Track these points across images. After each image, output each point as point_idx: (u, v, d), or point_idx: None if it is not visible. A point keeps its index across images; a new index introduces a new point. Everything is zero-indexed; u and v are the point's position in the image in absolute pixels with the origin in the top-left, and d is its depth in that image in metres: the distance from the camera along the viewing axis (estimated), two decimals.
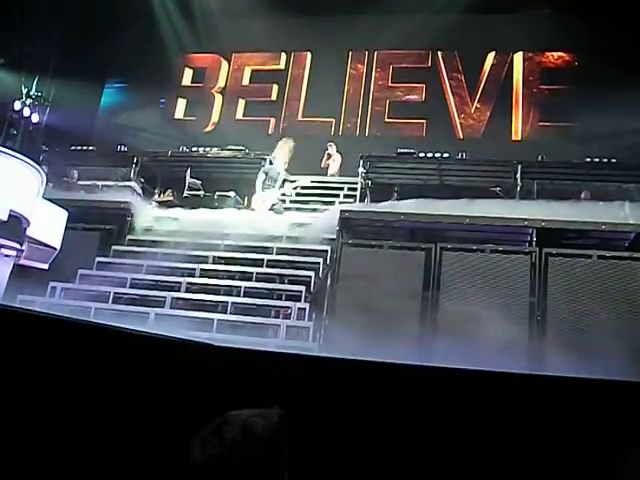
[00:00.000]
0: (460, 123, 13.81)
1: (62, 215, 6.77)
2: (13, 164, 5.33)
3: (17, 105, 14.34)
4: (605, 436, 2.90)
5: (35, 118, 14.55)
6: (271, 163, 11.60)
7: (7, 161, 5.26)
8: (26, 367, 2.92)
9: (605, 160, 10.75)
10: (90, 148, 13.19)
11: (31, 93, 14.55)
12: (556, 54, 13.64)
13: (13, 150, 5.66)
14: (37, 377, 2.81)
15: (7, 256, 5.78)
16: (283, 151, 11.43)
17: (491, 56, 13.91)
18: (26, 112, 14.44)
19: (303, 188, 12.21)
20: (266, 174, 11.35)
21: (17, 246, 5.79)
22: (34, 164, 5.69)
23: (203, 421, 2.46)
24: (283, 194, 11.61)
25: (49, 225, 6.32)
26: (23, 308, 2.83)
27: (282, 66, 15.06)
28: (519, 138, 13.41)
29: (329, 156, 12.93)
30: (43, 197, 6.62)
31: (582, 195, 10.27)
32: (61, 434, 2.77)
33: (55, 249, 6.41)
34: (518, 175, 10.94)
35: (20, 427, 2.82)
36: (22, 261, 6.00)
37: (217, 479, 1.82)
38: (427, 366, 3.91)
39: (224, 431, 1.87)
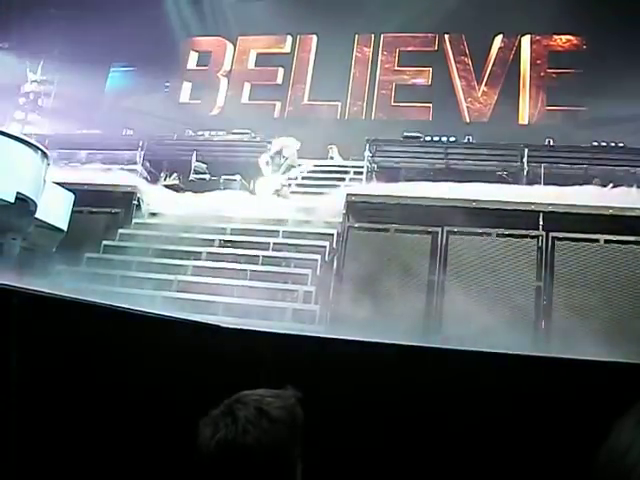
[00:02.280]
0: (467, 107, 13.74)
1: (69, 198, 6.80)
2: (19, 147, 5.33)
3: (23, 89, 14.33)
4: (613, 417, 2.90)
5: (41, 102, 14.54)
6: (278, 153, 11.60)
7: (13, 144, 5.26)
8: (36, 349, 2.93)
9: (612, 144, 10.71)
10: (96, 132, 13.18)
11: (37, 77, 14.53)
12: (564, 37, 13.53)
13: (19, 133, 5.68)
14: (49, 358, 2.82)
15: (14, 239, 5.80)
16: (285, 143, 11.46)
17: (498, 39, 13.79)
18: (32, 96, 14.43)
19: (309, 172, 12.19)
20: (272, 159, 11.35)
21: (24, 228, 5.81)
22: (41, 146, 5.69)
23: (212, 402, 2.47)
24: (289, 178, 11.61)
25: (56, 207, 6.34)
26: (34, 289, 2.84)
27: (288, 49, 14.97)
28: (526, 122, 13.34)
29: (331, 159, 12.85)
30: (50, 180, 6.64)
31: (594, 182, 10.20)
32: (76, 415, 2.79)
33: (62, 231, 6.43)
34: (525, 159, 10.91)
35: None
36: (30, 243, 6.02)
37: (229, 460, 1.79)
38: (432, 347, 3.92)
39: (237, 410, 1.85)
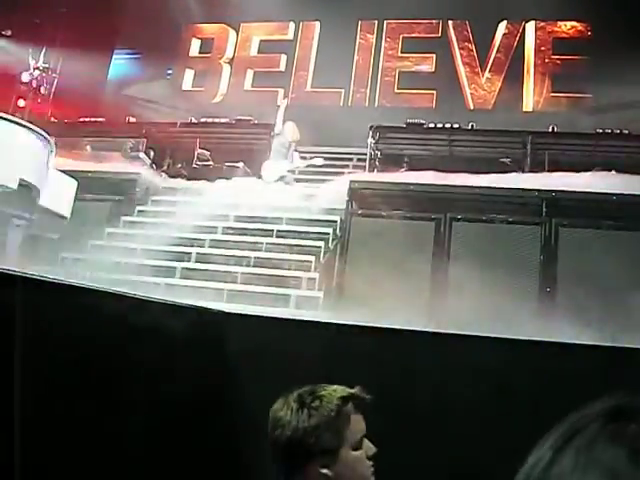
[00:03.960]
0: (471, 94, 13.67)
1: (72, 184, 6.80)
2: (22, 133, 5.33)
3: (25, 77, 14.31)
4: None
5: (43, 89, 14.52)
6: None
7: (16, 130, 5.26)
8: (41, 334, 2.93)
9: (617, 131, 10.67)
10: (99, 119, 13.17)
11: (39, 64, 14.50)
12: (569, 24, 13.44)
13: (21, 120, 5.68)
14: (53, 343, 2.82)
15: (18, 226, 5.81)
16: (289, 131, 11.42)
17: (502, 26, 13.71)
18: (34, 83, 14.41)
19: (312, 159, 12.16)
20: (275, 145, 11.35)
21: (27, 215, 5.82)
22: (43, 133, 5.69)
23: (217, 389, 2.48)
24: (294, 167, 11.59)
25: (59, 194, 6.34)
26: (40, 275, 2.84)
27: (290, 36, 14.90)
28: (530, 109, 13.28)
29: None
30: (53, 167, 6.64)
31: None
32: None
33: (65, 218, 6.43)
34: (529, 146, 10.88)
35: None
36: (33, 230, 6.03)
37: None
38: (436, 332, 3.93)
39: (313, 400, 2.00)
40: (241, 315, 3.32)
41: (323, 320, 3.36)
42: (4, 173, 5.10)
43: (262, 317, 3.44)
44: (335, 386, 2.11)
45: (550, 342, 3.45)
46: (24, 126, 5.39)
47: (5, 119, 5.20)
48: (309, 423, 1.97)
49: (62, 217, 6.45)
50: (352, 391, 2.09)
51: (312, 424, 1.97)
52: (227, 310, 3.34)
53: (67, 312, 3.01)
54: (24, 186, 5.37)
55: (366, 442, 2.07)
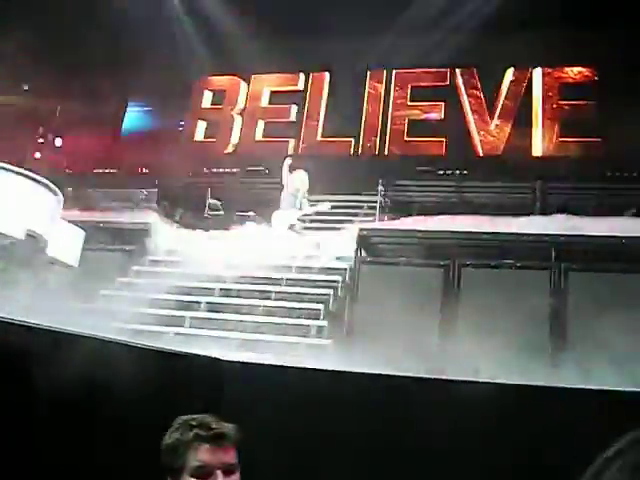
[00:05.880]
0: (480, 140, 13.72)
1: (79, 235, 6.89)
2: (30, 185, 5.44)
3: (41, 130, 14.61)
4: None
5: (58, 142, 14.79)
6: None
7: (24, 182, 5.37)
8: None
9: (626, 175, 10.67)
10: (112, 171, 13.38)
11: (55, 118, 14.80)
12: (575, 69, 13.54)
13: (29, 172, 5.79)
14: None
15: (26, 276, 5.87)
16: (298, 180, 11.56)
17: (510, 72, 13.82)
18: (50, 136, 14.71)
19: (323, 208, 12.23)
20: (284, 194, 11.47)
21: (36, 265, 5.89)
22: (51, 185, 5.79)
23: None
24: (303, 214, 11.66)
25: (67, 244, 6.42)
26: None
27: (301, 87, 15.10)
28: (540, 154, 13.29)
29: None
30: (64, 218, 6.74)
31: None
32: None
33: (73, 267, 6.50)
34: (538, 191, 10.89)
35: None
36: (42, 280, 6.09)
37: None
38: (447, 379, 3.88)
39: None
40: (236, 362, 3.31)
41: (316, 367, 3.34)
42: (12, 224, 5.19)
43: (257, 365, 3.43)
44: (203, 415, 2.22)
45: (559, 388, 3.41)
46: (32, 178, 5.50)
47: (12, 171, 5.31)
48: (164, 443, 2.17)
49: (70, 267, 6.51)
50: (203, 421, 2.18)
51: (164, 445, 2.17)
52: (223, 358, 3.33)
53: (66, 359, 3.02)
54: (32, 237, 5.44)
55: (217, 474, 2.12)
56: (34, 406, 2.78)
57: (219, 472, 2.11)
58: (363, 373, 3.86)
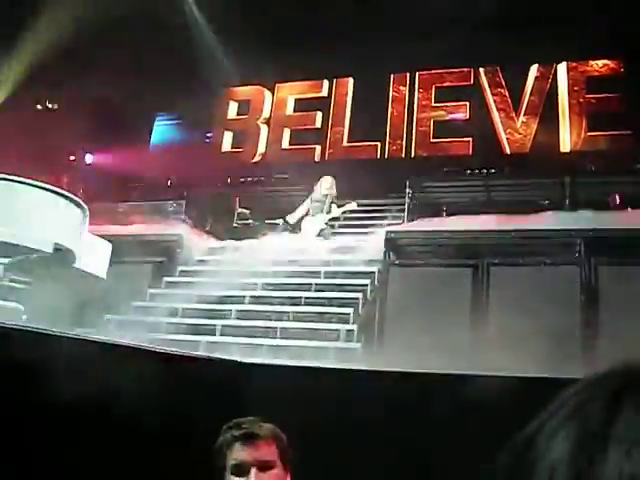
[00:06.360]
0: (507, 138, 13.61)
1: (107, 247, 7.02)
2: (56, 200, 5.57)
3: (70, 147, 14.90)
4: None
5: (88, 158, 15.09)
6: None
7: (50, 197, 5.50)
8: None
9: None
10: (141, 183, 13.59)
11: (84, 134, 15.06)
12: (600, 62, 13.36)
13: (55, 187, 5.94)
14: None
15: (56, 288, 6.00)
16: (326, 185, 11.63)
17: (534, 69, 13.71)
18: (79, 153, 15.01)
19: (352, 212, 12.26)
20: (313, 200, 11.53)
21: (66, 278, 6.01)
22: (77, 199, 5.92)
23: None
24: (332, 218, 11.71)
25: (94, 257, 6.55)
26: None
27: (325, 93, 15.15)
28: (568, 149, 13.14)
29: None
30: (93, 232, 6.87)
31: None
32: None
33: (101, 279, 6.63)
34: (566, 187, 10.79)
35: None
36: (71, 293, 6.22)
37: None
38: (477, 375, 3.89)
39: None
40: (257, 365, 3.35)
41: (337, 367, 3.36)
42: (39, 238, 5.32)
43: (278, 366, 3.47)
44: (247, 418, 2.42)
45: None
46: (56, 192, 5.63)
47: (37, 186, 5.45)
48: (214, 446, 2.39)
49: (99, 279, 6.64)
50: (239, 422, 2.38)
51: (214, 447, 2.38)
52: (243, 360, 3.37)
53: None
54: (59, 250, 5.57)
55: (252, 471, 2.29)
56: (65, 410, 2.85)
57: (254, 469, 2.29)
58: (391, 372, 3.87)
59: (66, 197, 5.72)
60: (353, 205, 11.75)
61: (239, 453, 2.31)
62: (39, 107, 15.00)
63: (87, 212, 6.15)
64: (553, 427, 0.71)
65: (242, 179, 13.96)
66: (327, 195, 11.60)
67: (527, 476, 0.69)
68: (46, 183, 5.78)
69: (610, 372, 0.73)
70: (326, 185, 11.69)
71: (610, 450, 0.63)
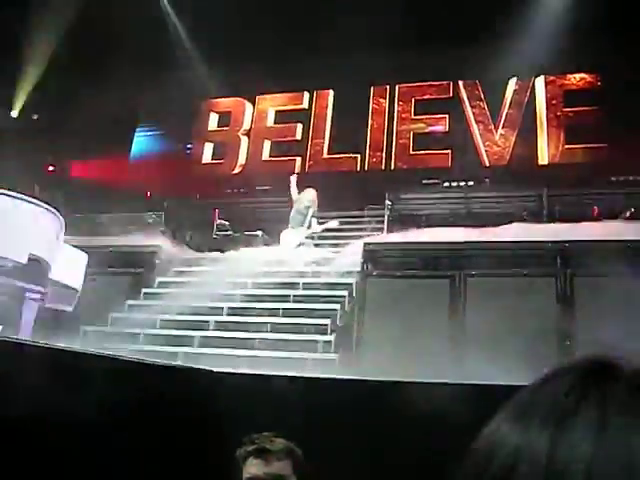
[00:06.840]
0: (485, 150, 13.73)
1: (83, 257, 6.97)
2: (32, 210, 5.53)
3: (49, 157, 14.84)
4: None
5: (67, 168, 15.03)
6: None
7: (26, 207, 5.46)
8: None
9: (631, 178, 10.65)
10: (120, 195, 13.53)
11: (64, 145, 15.00)
12: (578, 76, 13.54)
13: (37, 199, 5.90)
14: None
15: (32, 299, 5.95)
16: (308, 198, 11.58)
17: (512, 82, 13.86)
18: (58, 163, 14.93)
19: (330, 224, 12.25)
20: (294, 211, 11.52)
21: (41, 289, 5.96)
22: (53, 210, 5.89)
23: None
24: (312, 233, 11.68)
25: (70, 267, 6.50)
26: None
27: (305, 105, 15.22)
28: (546, 162, 13.28)
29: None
30: (72, 243, 6.84)
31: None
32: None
33: (76, 290, 6.58)
34: (544, 199, 10.89)
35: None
36: (47, 304, 6.16)
37: None
38: (456, 383, 3.91)
39: None
40: (227, 373, 3.35)
41: (306, 375, 3.36)
42: (14, 248, 5.28)
43: (248, 375, 3.46)
44: (263, 433, 2.50)
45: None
46: (33, 202, 5.60)
47: (12, 196, 5.41)
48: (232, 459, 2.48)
49: (74, 290, 6.59)
50: (252, 438, 2.47)
51: (233, 461, 2.47)
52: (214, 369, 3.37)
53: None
54: (34, 260, 5.53)
55: None
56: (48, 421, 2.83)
57: None
58: (362, 380, 3.88)
59: (42, 207, 5.69)
60: (334, 223, 11.67)
61: (252, 468, 2.41)
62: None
63: (63, 223, 6.12)
64: (515, 419, 0.71)
65: (222, 190, 13.93)
66: (309, 207, 11.58)
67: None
68: (23, 193, 5.78)
69: (575, 363, 0.74)
70: (308, 197, 11.66)
71: (577, 436, 0.63)
